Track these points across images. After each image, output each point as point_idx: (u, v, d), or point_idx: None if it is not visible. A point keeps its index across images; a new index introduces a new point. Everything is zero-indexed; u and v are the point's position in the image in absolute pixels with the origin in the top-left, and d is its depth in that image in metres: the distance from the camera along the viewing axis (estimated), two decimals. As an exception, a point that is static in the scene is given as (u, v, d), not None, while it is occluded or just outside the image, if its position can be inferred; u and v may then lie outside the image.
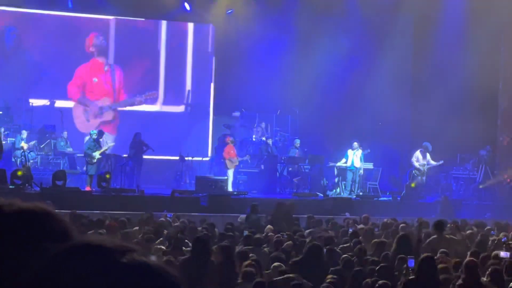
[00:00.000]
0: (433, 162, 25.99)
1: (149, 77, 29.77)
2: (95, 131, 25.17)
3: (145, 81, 29.67)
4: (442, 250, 12.18)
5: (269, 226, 16.64)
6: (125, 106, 29.38)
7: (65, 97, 28.61)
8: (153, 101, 29.61)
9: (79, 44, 28.83)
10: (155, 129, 28.02)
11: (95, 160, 24.09)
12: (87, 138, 25.35)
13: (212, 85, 30.41)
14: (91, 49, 29.05)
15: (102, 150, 24.50)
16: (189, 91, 30.03)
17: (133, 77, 29.61)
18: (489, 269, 10.20)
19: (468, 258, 10.49)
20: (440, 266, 10.22)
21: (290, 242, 13.78)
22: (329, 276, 9.96)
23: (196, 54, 30.18)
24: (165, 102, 29.95)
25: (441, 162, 26.02)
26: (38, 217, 1.72)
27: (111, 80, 29.35)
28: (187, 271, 9.64)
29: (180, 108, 30.05)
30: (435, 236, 13.72)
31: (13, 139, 25.18)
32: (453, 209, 23.10)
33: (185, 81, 30.22)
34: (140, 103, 29.40)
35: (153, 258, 1.50)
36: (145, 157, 26.27)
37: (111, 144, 25.29)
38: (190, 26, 30.18)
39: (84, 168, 24.86)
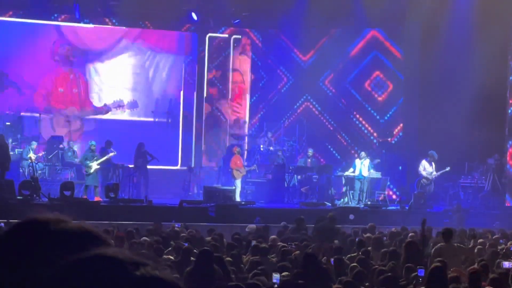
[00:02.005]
0: (435, 173, 25.93)
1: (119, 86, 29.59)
2: (94, 142, 25.14)
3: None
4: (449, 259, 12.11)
5: (274, 236, 16.62)
6: (92, 115, 29.05)
7: (32, 106, 28.33)
8: (121, 109, 29.32)
9: (46, 52, 28.64)
10: (125, 138, 27.75)
11: (91, 171, 24.07)
12: (92, 148, 25.16)
13: (195, 94, 30.30)
14: (56, 58, 28.77)
15: (100, 161, 24.47)
16: (171, 99, 29.93)
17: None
18: (490, 278, 10.18)
19: (472, 267, 10.48)
20: (450, 275, 10.20)
21: (298, 251, 13.77)
22: (334, 286, 9.95)
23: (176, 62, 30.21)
24: (135, 111, 29.77)
25: (447, 169, 25.95)
26: (81, 238, 1.72)
27: (77, 89, 29.09)
28: (192, 282, 9.63)
29: (151, 117, 29.83)
30: (442, 244, 13.66)
31: (21, 149, 25.23)
32: (464, 218, 23.07)
33: (155, 90, 30.12)
34: (107, 112, 29.12)
35: (167, 271, 1.50)
36: (152, 167, 26.34)
37: (111, 153, 25.18)
38: (173, 33, 30.17)
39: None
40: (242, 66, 31.08)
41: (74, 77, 29.02)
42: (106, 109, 29.14)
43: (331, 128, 30.28)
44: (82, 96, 29.07)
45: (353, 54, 29.85)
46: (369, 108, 29.98)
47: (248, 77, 31.06)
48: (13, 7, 27.95)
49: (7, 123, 26.70)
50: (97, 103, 29.27)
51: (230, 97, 30.87)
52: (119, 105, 29.22)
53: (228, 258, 12.33)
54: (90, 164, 24.08)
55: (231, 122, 30.84)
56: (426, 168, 25.95)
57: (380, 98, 30.08)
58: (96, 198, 23.83)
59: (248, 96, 31.14)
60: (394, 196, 27.65)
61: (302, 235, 17.50)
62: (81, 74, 29.14)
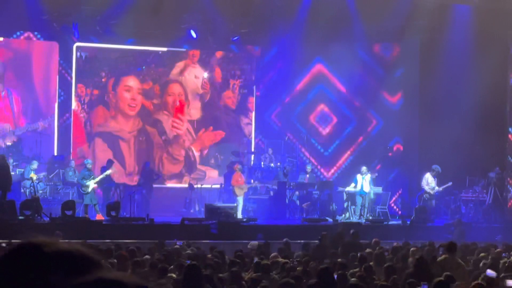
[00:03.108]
0: (437, 188, 25.93)
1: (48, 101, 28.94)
2: (90, 161, 25.15)
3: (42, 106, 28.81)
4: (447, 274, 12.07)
5: (274, 253, 16.59)
6: (26, 131, 28.18)
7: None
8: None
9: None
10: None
11: (89, 190, 24.07)
12: (89, 167, 24.99)
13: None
14: None
15: (97, 179, 24.48)
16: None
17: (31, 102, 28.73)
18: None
19: (475, 282, 10.46)
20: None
21: (300, 268, 13.75)
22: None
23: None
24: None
25: (449, 184, 25.97)
26: (74, 260, 1.74)
27: (9, 105, 28.37)
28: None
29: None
30: (446, 256, 13.64)
31: (22, 169, 25.21)
32: (465, 232, 22.99)
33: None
34: (43, 127, 28.34)
35: None
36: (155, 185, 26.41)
37: (108, 172, 25.17)
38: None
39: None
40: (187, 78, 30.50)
41: (6, 93, 28.18)
42: (42, 125, 28.20)
43: (326, 153, 30.49)
44: (15, 113, 28.19)
45: (348, 78, 29.86)
46: (364, 133, 30.29)
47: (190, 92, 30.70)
48: (14, 28, 27.98)
49: (8, 143, 26.70)
50: (30, 119, 28.42)
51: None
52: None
53: (222, 275, 12.34)
54: (87, 183, 24.09)
55: (170, 139, 30.21)
56: (430, 183, 25.94)
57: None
58: (98, 216, 23.82)
59: (253, 114, 31.04)
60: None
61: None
62: (12, 90, 28.32)
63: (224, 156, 29.81)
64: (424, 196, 26.02)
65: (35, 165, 24.97)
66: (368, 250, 17.16)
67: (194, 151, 30.31)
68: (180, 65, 30.23)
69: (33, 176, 24.31)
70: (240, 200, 25.81)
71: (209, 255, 15.70)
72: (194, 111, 30.41)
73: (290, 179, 27.36)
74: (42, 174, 25.55)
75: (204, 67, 30.51)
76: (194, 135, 30.33)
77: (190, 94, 30.33)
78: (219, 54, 30.69)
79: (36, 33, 28.18)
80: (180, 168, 30.01)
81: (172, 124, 30.00)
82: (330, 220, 24.90)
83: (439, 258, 13.72)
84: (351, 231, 19.53)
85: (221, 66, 30.76)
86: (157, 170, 28.77)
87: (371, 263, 14.24)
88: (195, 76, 30.35)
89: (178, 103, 30.07)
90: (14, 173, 24.44)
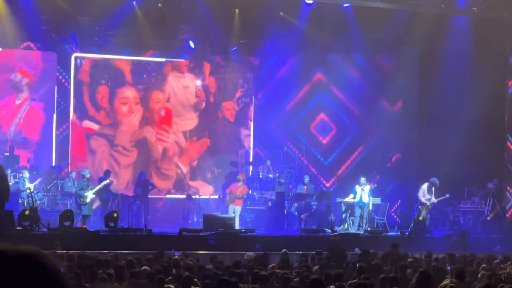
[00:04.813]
0: (434, 200, 25.89)
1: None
2: (87, 171, 25.09)
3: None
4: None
5: (273, 264, 16.54)
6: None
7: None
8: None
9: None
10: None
11: (87, 200, 24.02)
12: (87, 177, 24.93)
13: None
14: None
15: (95, 190, 24.45)
16: None
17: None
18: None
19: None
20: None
21: (297, 279, 13.72)
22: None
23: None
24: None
25: (447, 195, 25.94)
26: (29, 261, 1.73)
27: (15, 112, 28.18)
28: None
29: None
30: (454, 284, 13.40)
31: (17, 179, 25.18)
32: (468, 245, 22.79)
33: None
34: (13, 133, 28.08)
35: None
36: (152, 196, 26.32)
37: (106, 182, 25.14)
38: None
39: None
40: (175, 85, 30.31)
41: (25, 102, 28.30)
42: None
43: (325, 163, 30.47)
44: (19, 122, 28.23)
45: (347, 89, 29.91)
46: (363, 144, 30.21)
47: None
48: (14, 38, 27.97)
49: (6, 154, 26.69)
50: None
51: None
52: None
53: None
54: (86, 193, 24.04)
55: (157, 154, 30.01)
56: (426, 194, 25.91)
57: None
58: (80, 224, 23.70)
59: (252, 124, 31.06)
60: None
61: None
62: (34, 101, 28.36)
63: (222, 169, 29.69)
64: (419, 207, 25.96)
65: (26, 173, 24.98)
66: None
67: (182, 166, 30.09)
68: (169, 74, 30.10)
69: (31, 186, 24.27)
70: (231, 209, 25.67)
71: (209, 266, 15.68)
72: (189, 121, 30.29)
73: (288, 190, 27.36)
74: (38, 180, 25.44)
75: (199, 76, 30.48)
76: (181, 147, 30.09)
77: (179, 105, 30.18)
78: (219, 63, 30.74)
79: (35, 43, 28.19)
80: (171, 184, 29.77)
81: (156, 136, 29.81)
82: (329, 231, 24.85)
83: (445, 282, 13.47)
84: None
85: (222, 76, 30.77)
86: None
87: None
88: (185, 86, 30.23)
89: (163, 113, 29.89)
90: (12, 183, 24.41)
